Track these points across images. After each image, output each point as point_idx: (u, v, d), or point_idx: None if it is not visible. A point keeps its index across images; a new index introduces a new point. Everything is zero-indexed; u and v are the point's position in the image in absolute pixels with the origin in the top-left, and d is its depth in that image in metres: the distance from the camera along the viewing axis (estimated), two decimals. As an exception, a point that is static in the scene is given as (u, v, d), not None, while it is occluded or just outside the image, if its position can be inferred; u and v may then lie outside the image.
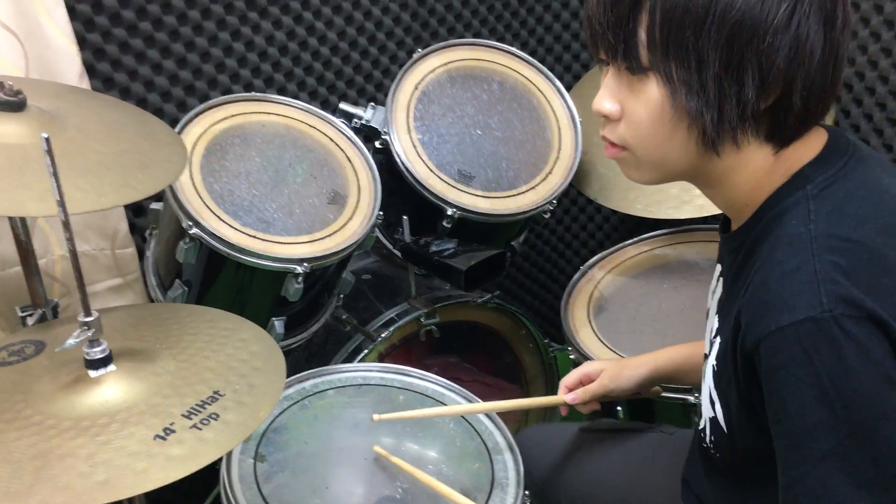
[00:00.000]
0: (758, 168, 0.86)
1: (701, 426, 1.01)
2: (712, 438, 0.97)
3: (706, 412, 0.96)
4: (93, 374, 0.92)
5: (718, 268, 1.00)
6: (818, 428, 0.75)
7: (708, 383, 0.94)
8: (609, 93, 0.87)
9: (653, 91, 0.82)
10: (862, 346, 0.74)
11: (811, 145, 0.86)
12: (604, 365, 1.30)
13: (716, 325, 0.94)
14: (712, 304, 1.00)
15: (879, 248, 0.78)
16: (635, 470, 1.27)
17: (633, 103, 0.85)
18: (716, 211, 1.66)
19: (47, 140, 0.82)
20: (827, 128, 0.89)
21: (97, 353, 0.91)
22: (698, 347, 1.27)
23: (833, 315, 0.74)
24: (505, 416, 1.35)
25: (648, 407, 1.47)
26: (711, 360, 0.93)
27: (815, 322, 0.74)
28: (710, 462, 1.03)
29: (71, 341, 0.89)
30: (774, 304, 0.77)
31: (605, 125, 0.89)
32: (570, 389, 1.30)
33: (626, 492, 1.25)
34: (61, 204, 0.85)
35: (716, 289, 0.99)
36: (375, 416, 1.25)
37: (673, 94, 0.81)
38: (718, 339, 0.91)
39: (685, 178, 0.91)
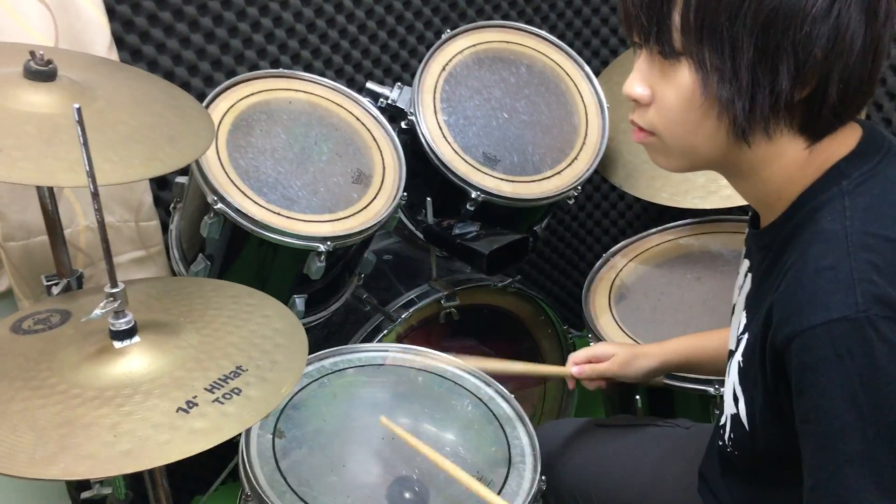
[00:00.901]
0: (790, 161, 0.83)
1: (721, 422, 1.00)
2: (731, 436, 0.95)
3: (728, 408, 0.95)
4: (117, 344, 0.92)
5: (746, 263, 0.98)
6: (846, 430, 0.74)
7: (732, 379, 0.93)
8: (640, 76, 0.85)
9: (684, 77, 0.80)
10: (895, 348, 0.72)
11: (846, 140, 0.84)
12: (616, 350, 1.31)
13: (744, 321, 0.92)
14: (739, 300, 0.98)
15: None
16: (652, 465, 1.27)
17: (663, 88, 0.83)
18: (742, 202, 1.65)
19: (79, 111, 0.82)
20: (861, 122, 0.87)
21: (122, 324, 0.92)
22: (709, 338, 1.27)
23: (868, 315, 0.73)
24: (521, 404, 1.34)
25: (668, 399, 1.47)
26: (738, 357, 0.91)
27: (849, 322, 0.73)
28: (726, 461, 1.02)
29: (97, 311, 0.89)
30: (808, 302, 0.76)
31: (635, 109, 0.87)
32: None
33: (642, 486, 1.24)
34: (91, 175, 0.85)
35: (743, 285, 0.97)
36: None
37: (705, 80, 0.79)
38: (746, 336, 0.90)
39: (714, 168, 0.89)
